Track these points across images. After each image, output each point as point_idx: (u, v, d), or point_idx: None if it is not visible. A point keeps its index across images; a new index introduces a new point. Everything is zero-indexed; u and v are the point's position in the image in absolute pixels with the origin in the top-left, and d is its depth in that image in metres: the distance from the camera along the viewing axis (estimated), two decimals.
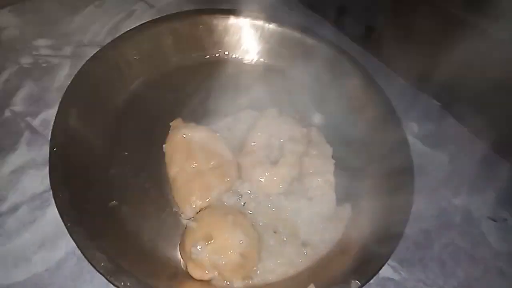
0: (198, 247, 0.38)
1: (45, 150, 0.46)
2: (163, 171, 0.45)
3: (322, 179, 0.46)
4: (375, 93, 0.52)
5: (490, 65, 0.49)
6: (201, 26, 0.56)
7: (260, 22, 0.56)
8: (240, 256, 0.38)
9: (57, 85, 0.52)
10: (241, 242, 0.38)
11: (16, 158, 0.46)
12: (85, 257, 0.36)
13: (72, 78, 0.47)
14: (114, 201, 0.43)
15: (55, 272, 0.39)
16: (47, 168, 0.42)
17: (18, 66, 0.53)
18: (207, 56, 0.57)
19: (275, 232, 0.42)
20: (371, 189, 0.46)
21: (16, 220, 0.42)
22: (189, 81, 0.54)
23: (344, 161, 0.47)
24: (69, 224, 0.37)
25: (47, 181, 0.43)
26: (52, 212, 0.42)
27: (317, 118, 0.52)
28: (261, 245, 0.41)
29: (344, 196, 0.46)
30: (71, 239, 0.38)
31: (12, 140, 0.47)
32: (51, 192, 0.41)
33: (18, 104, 0.50)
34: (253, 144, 0.46)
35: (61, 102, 0.45)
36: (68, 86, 0.46)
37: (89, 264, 0.37)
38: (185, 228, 0.42)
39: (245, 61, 0.58)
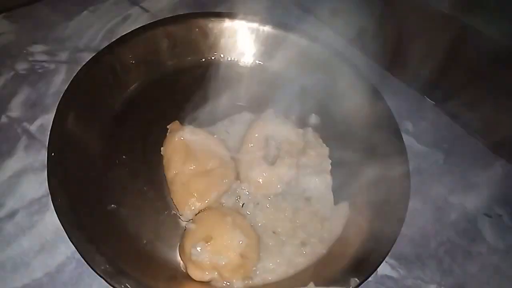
0: (198, 248, 0.38)
1: (43, 155, 0.46)
2: (161, 174, 0.46)
3: (320, 179, 0.46)
4: (370, 93, 0.53)
5: (482, 63, 0.50)
6: (196, 29, 0.56)
7: (255, 25, 0.57)
8: (240, 257, 0.38)
9: (54, 90, 0.52)
10: (240, 242, 0.39)
11: (14, 164, 0.46)
12: (85, 260, 0.36)
13: (68, 83, 0.47)
14: (113, 205, 0.43)
15: (55, 276, 0.39)
16: (45, 173, 0.42)
17: (14, 72, 0.53)
18: (203, 59, 0.57)
19: (274, 233, 0.43)
20: (368, 188, 0.46)
21: (15, 225, 0.41)
22: (186, 84, 0.54)
23: (340, 161, 0.48)
24: (68, 228, 0.37)
25: (45, 186, 0.43)
26: (51, 217, 0.42)
27: (313, 119, 0.53)
28: (261, 246, 0.41)
29: (341, 195, 0.46)
30: (70, 243, 0.38)
31: (9, 146, 0.47)
32: (49, 197, 0.42)
33: (14, 110, 0.50)
34: (250, 145, 0.47)
35: (58, 107, 0.45)
36: (65, 91, 0.46)
37: (89, 268, 0.38)
38: (184, 230, 0.42)
39: (241, 63, 0.58)
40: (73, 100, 0.46)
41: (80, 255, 0.37)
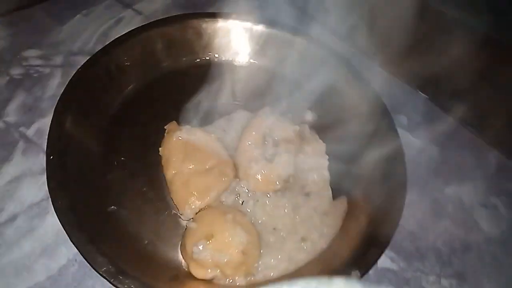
0: (200, 247, 0.38)
1: (41, 159, 0.46)
2: (160, 174, 0.46)
3: (318, 175, 0.47)
4: (364, 88, 0.53)
5: (473, 57, 0.50)
6: (190, 30, 0.56)
7: (248, 24, 0.57)
8: (241, 254, 0.39)
9: (50, 94, 0.52)
10: (241, 239, 0.39)
11: (12, 168, 0.46)
12: (88, 262, 0.37)
13: (63, 86, 0.47)
14: (113, 206, 0.43)
15: (57, 279, 0.39)
16: (44, 176, 0.42)
17: (9, 77, 0.53)
18: (198, 60, 0.57)
19: (274, 229, 0.43)
20: (365, 183, 0.47)
21: (15, 229, 0.41)
22: (181, 84, 0.54)
23: (337, 157, 0.48)
24: (69, 230, 0.38)
25: (44, 190, 0.44)
26: (51, 220, 0.42)
27: (309, 116, 0.53)
28: (261, 242, 0.41)
29: (339, 190, 0.47)
30: (71, 246, 0.39)
31: (7, 151, 0.47)
32: (49, 201, 0.42)
33: (11, 115, 0.50)
34: (248, 143, 0.47)
35: (55, 110, 0.45)
36: (62, 94, 0.46)
37: (91, 269, 0.38)
38: (185, 229, 0.42)
39: (235, 63, 0.58)
40: (70, 103, 0.46)
41: (82, 256, 0.37)
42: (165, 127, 0.48)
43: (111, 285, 0.36)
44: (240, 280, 0.39)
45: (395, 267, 0.43)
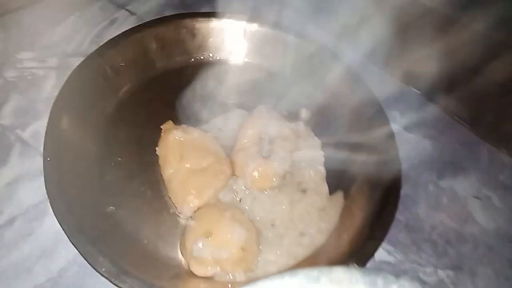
0: (199, 244, 0.39)
1: (38, 161, 0.46)
2: (158, 174, 0.46)
3: (314, 171, 0.47)
4: (357, 85, 0.54)
5: (464, 52, 0.51)
6: (184, 30, 0.56)
7: (242, 23, 0.57)
8: (241, 250, 0.39)
9: (45, 96, 0.52)
10: (240, 236, 0.39)
11: (9, 171, 0.46)
12: (88, 262, 0.37)
13: (58, 88, 0.47)
14: (111, 207, 0.43)
15: (58, 281, 0.39)
16: (41, 179, 0.42)
17: (3, 80, 0.53)
18: (192, 59, 0.58)
19: (272, 225, 0.43)
20: (361, 177, 0.47)
21: (14, 232, 0.41)
22: (176, 84, 0.54)
23: (332, 152, 0.49)
24: (69, 232, 0.38)
25: (42, 192, 0.43)
26: (50, 222, 0.42)
27: (303, 113, 0.54)
28: (260, 239, 0.42)
29: (335, 185, 0.47)
30: (70, 247, 0.38)
31: (3, 154, 0.47)
32: (47, 203, 0.42)
33: (6, 117, 0.50)
34: (244, 141, 0.47)
35: (51, 112, 0.45)
36: (57, 96, 0.46)
37: (91, 270, 0.38)
38: (184, 227, 0.42)
39: (229, 62, 0.59)
40: (65, 104, 0.46)
41: (83, 257, 0.37)
42: (161, 126, 0.49)
43: (111, 285, 0.36)
44: (240, 276, 0.39)
45: (392, 260, 0.44)
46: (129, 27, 0.55)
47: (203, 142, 0.47)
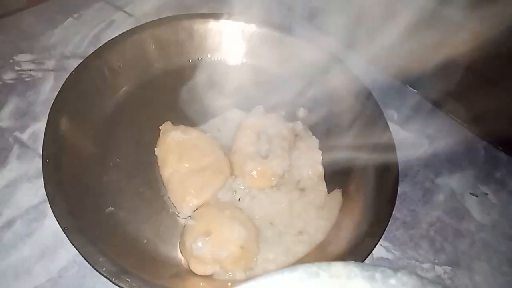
0: (199, 243, 0.39)
1: (36, 163, 0.46)
2: (157, 174, 0.46)
3: (312, 170, 0.48)
4: (355, 84, 0.54)
5: (460, 51, 0.52)
6: (181, 31, 0.57)
7: (239, 24, 0.58)
8: (240, 248, 0.39)
9: (43, 98, 0.52)
10: (239, 234, 0.40)
11: (8, 173, 0.46)
12: (88, 262, 0.37)
13: (57, 90, 0.47)
14: (110, 207, 0.44)
15: (58, 281, 0.39)
16: (40, 180, 0.42)
17: (1, 82, 0.53)
18: (190, 60, 0.58)
19: (271, 224, 0.44)
20: (358, 175, 0.48)
21: (13, 234, 0.41)
22: (175, 85, 0.54)
23: (330, 151, 0.49)
24: (69, 232, 0.38)
25: (41, 193, 0.44)
26: (49, 223, 0.42)
27: (301, 113, 0.54)
28: (259, 237, 0.42)
29: (334, 184, 0.48)
30: (70, 248, 0.39)
31: (1, 156, 0.47)
32: (46, 204, 0.42)
33: (4, 119, 0.50)
34: (243, 141, 0.48)
35: (50, 113, 0.45)
36: (56, 97, 0.46)
37: (91, 270, 0.38)
38: (184, 227, 0.42)
39: (227, 62, 0.59)
40: (64, 106, 0.46)
41: (83, 257, 0.37)
42: (160, 127, 0.49)
43: (111, 285, 0.37)
44: (239, 275, 0.40)
45: (390, 256, 0.45)
46: (127, 29, 0.56)
47: (202, 142, 0.47)
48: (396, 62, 0.58)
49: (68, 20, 0.62)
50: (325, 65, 0.56)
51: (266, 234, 0.43)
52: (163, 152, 0.46)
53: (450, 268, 0.44)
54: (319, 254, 0.41)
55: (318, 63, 0.56)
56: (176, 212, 0.44)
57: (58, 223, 0.38)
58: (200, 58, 0.58)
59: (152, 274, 0.38)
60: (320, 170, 0.48)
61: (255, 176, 0.46)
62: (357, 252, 0.39)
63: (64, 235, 0.38)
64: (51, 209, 0.39)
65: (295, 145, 0.50)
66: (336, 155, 0.49)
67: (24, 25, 0.60)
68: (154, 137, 0.48)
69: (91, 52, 0.52)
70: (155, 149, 0.47)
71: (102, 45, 0.53)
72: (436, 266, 0.44)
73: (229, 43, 0.59)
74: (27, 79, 0.54)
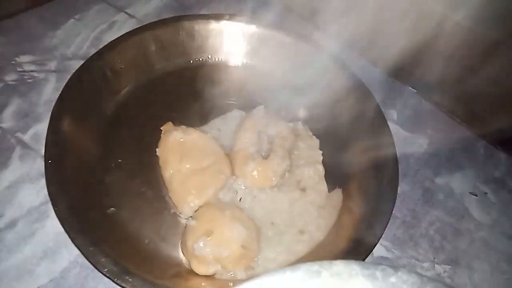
0: (200, 243, 0.39)
1: (38, 164, 0.46)
2: (158, 174, 0.46)
3: (313, 170, 0.48)
4: (355, 85, 0.54)
5: (460, 50, 0.52)
6: (183, 32, 0.57)
7: (240, 25, 0.58)
8: (241, 248, 0.40)
9: (45, 99, 0.52)
10: (241, 234, 0.40)
11: (10, 174, 0.46)
12: (91, 263, 0.37)
13: (58, 91, 0.48)
14: (112, 208, 0.44)
15: (60, 282, 0.39)
16: (42, 181, 0.43)
17: (3, 83, 0.53)
18: (191, 61, 0.58)
19: (272, 223, 0.44)
20: (359, 175, 0.48)
21: (16, 234, 0.42)
22: (175, 86, 0.55)
23: (331, 151, 0.50)
24: (71, 233, 0.38)
25: (43, 194, 0.44)
26: (51, 224, 0.42)
27: (301, 113, 0.54)
28: (260, 237, 0.42)
29: (334, 184, 0.48)
30: (72, 248, 0.39)
31: (4, 157, 0.47)
32: (48, 205, 0.42)
33: (6, 120, 0.50)
34: (244, 141, 0.48)
35: (52, 114, 0.45)
36: (58, 98, 0.47)
37: (93, 271, 0.39)
38: (185, 227, 0.43)
39: (228, 63, 0.59)
40: (66, 107, 0.46)
41: (85, 258, 0.37)
42: (161, 128, 0.49)
43: (113, 285, 0.37)
44: (241, 274, 0.40)
45: (390, 255, 0.45)
46: (128, 30, 0.56)
47: (203, 142, 0.47)
48: (397, 62, 0.59)
49: (69, 21, 0.62)
50: (325, 65, 0.56)
51: (267, 234, 0.43)
52: (164, 153, 0.47)
53: (449, 267, 0.44)
54: (320, 253, 0.42)
55: (318, 63, 0.56)
56: (178, 212, 0.44)
57: (60, 223, 0.39)
58: (201, 59, 0.59)
59: (153, 274, 0.38)
60: (321, 170, 0.48)
61: (256, 176, 0.46)
62: (358, 251, 0.40)
63: (66, 235, 0.38)
64: (53, 209, 0.40)
65: (296, 145, 0.50)
66: (336, 155, 0.49)
67: (26, 27, 0.60)
68: (155, 137, 0.48)
69: (92, 53, 0.52)
70: (157, 149, 0.47)
71: (104, 46, 0.53)
72: (435, 265, 0.44)
73: (230, 44, 0.59)
74: (29, 80, 0.54)
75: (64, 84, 0.48)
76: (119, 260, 0.37)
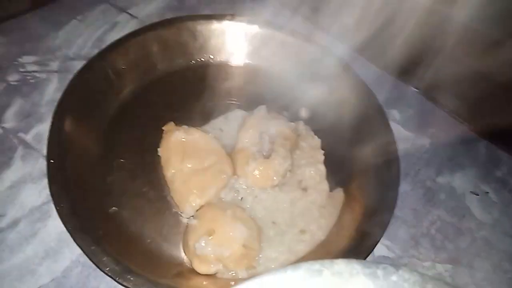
0: (202, 243, 0.39)
1: (40, 164, 0.47)
2: (160, 174, 0.47)
3: (314, 170, 0.48)
4: (357, 84, 0.54)
5: (461, 50, 0.52)
6: (185, 32, 0.57)
7: (242, 25, 0.58)
8: (243, 247, 0.40)
9: (47, 100, 0.53)
10: (242, 233, 0.40)
11: (12, 174, 0.46)
12: (93, 262, 0.37)
13: (61, 91, 0.48)
14: (114, 207, 0.44)
15: (62, 281, 0.40)
16: (44, 181, 0.43)
17: (6, 84, 0.53)
18: (193, 61, 0.58)
19: (274, 223, 0.44)
20: (360, 175, 0.48)
21: (18, 234, 0.42)
22: (177, 86, 0.55)
23: (332, 151, 0.50)
24: (73, 233, 0.38)
25: (45, 194, 0.44)
26: (53, 224, 0.43)
27: (303, 113, 0.54)
28: (262, 236, 0.42)
29: (336, 183, 0.48)
30: (74, 248, 0.40)
31: (6, 157, 0.47)
32: (50, 204, 0.43)
33: (9, 121, 0.50)
34: (245, 141, 0.48)
35: (54, 114, 0.46)
36: (60, 98, 0.47)
37: (95, 270, 0.39)
38: (187, 226, 0.43)
39: (230, 63, 0.59)
40: (68, 107, 0.47)
41: (87, 257, 0.38)
42: (163, 128, 0.49)
43: (115, 284, 0.37)
44: (242, 274, 0.40)
45: (391, 255, 0.45)
46: (131, 30, 0.56)
47: (204, 142, 0.47)
48: (398, 61, 0.59)
49: (72, 22, 0.63)
50: (327, 65, 0.56)
51: (268, 233, 0.43)
52: (166, 153, 0.47)
53: (451, 266, 0.44)
54: (321, 253, 0.42)
55: (320, 63, 0.57)
56: (179, 212, 0.45)
57: (62, 223, 0.39)
58: (203, 59, 0.59)
59: (155, 273, 0.38)
60: (322, 169, 0.48)
61: (257, 176, 0.46)
62: (359, 250, 0.40)
63: (68, 235, 0.39)
64: (56, 209, 0.40)
65: (297, 145, 0.50)
66: (338, 155, 0.49)
67: (28, 27, 0.60)
68: (157, 137, 0.48)
69: (94, 54, 0.53)
70: (158, 149, 0.48)
71: (106, 47, 0.53)
72: (437, 264, 0.44)
73: (232, 44, 0.59)
74: (31, 81, 0.54)
75: (66, 84, 0.49)
76: (121, 259, 0.37)
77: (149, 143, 0.48)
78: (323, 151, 0.50)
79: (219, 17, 0.58)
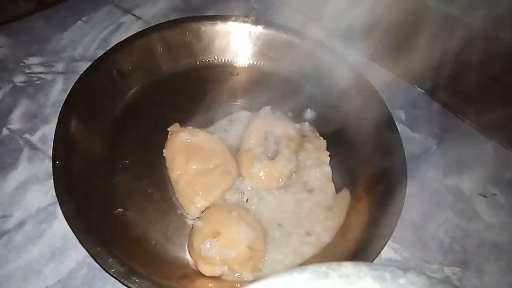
0: (207, 244, 0.39)
1: (46, 165, 0.47)
2: (165, 175, 0.47)
3: (320, 171, 0.48)
4: (362, 85, 0.54)
5: (468, 51, 0.51)
6: (189, 33, 0.57)
7: (246, 26, 0.58)
8: (248, 249, 0.39)
9: (53, 101, 0.53)
10: (247, 235, 0.40)
11: (18, 175, 0.46)
12: (98, 263, 0.37)
13: (66, 92, 0.48)
14: (119, 209, 0.44)
15: (67, 282, 0.40)
16: (50, 182, 0.43)
17: (12, 85, 0.54)
18: (198, 62, 0.58)
19: (279, 225, 0.44)
20: (366, 176, 0.48)
21: (24, 235, 0.42)
22: (182, 87, 0.55)
23: (338, 152, 0.50)
24: (79, 234, 0.38)
25: (51, 195, 0.44)
26: (59, 225, 0.43)
27: (308, 114, 0.54)
28: (267, 238, 0.42)
29: (341, 185, 0.48)
30: (80, 249, 0.40)
31: (12, 158, 0.47)
32: (55, 205, 0.43)
33: (15, 122, 0.50)
34: (250, 142, 0.48)
35: (59, 116, 0.46)
36: (66, 99, 0.47)
37: (101, 271, 0.39)
38: (192, 228, 0.43)
39: (234, 64, 0.59)
40: (73, 108, 0.47)
41: (93, 258, 0.38)
42: (168, 129, 0.49)
43: (120, 286, 0.37)
44: (247, 276, 0.40)
45: (398, 258, 0.44)
46: (136, 31, 0.56)
47: (209, 143, 0.47)
48: (404, 62, 0.58)
49: (77, 23, 0.63)
50: (332, 66, 0.56)
51: (274, 235, 0.43)
52: (171, 154, 0.47)
53: (458, 269, 0.44)
54: (327, 255, 0.41)
55: (325, 64, 0.56)
56: (184, 213, 0.44)
57: (68, 224, 0.39)
58: (207, 60, 0.59)
59: (160, 275, 0.38)
60: (328, 171, 0.48)
61: (263, 177, 0.46)
62: (365, 253, 0.39)
63: (74, 236, 0.39)
64: (61, 210, 0.40)
65: (303, 146, 0.50)
66: (343, 156, 0.49)
67: (34, 29, 0.61)
68: (162, 138, 0.48)
69: (100, 55, 0.53)
70: (163, 150, 0.47)
71: (111, 48, 0.53)
72: (444, 267, 0.44)
73: (236, 45, 0.59)
74: (37, 82, 0.55)
75: (71, 85, 0.49)
76: (126, 260, 0.37)
77: (154, 144, 0.48)
78: (328, 152, 0.49)
79: (223, 18, 0.58)
